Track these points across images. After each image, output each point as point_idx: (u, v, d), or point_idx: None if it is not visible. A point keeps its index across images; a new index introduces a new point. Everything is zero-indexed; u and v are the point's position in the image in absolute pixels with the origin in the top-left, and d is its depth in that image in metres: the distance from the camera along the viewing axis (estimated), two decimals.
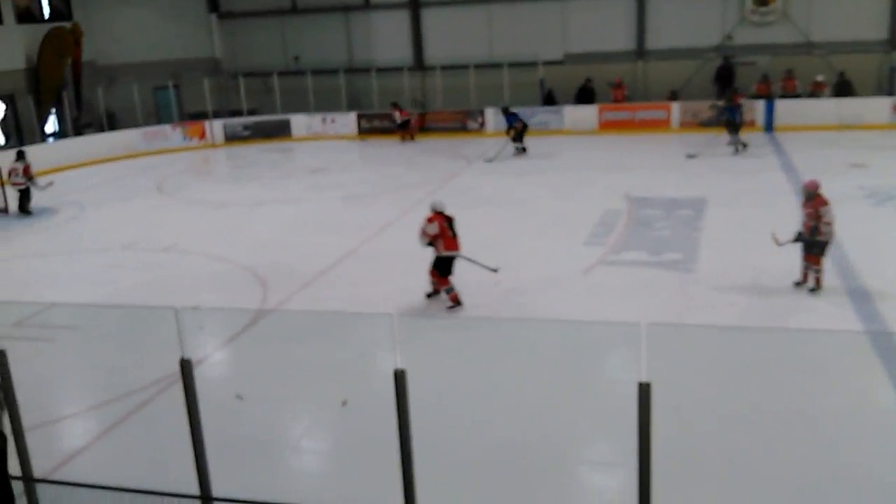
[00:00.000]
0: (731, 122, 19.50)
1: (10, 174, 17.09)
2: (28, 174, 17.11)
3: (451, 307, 10.01)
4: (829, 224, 9.61)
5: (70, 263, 13.52)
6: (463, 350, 8.84)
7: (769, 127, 22.05)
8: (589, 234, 13.21)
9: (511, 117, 20.87)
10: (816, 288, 9.87)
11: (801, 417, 7.10)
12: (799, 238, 9.83)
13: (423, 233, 10.03)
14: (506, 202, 15.99)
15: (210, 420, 5.12)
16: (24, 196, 17.15)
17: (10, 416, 5.42)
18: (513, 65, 24.91)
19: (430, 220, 10.04)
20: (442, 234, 9.99)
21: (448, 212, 10.20)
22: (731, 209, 14.25)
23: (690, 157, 19.13)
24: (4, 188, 17.40)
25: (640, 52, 25.05)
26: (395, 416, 4.43)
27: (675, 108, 23.33)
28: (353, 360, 8.85)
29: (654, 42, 24.95)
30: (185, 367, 4.80)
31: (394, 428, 4.46)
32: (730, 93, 20.63)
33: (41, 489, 5.64)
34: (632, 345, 3.86)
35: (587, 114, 23.89)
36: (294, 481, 6.67)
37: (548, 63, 25.07)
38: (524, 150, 20.78)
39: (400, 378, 4.33)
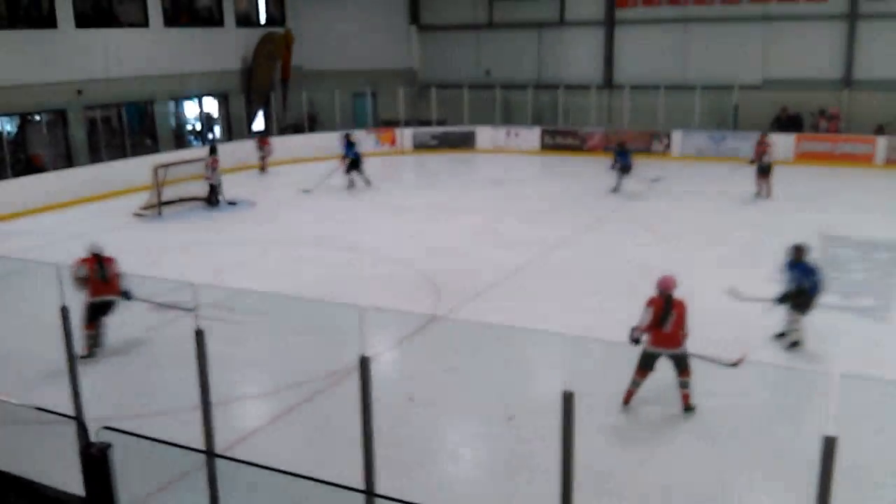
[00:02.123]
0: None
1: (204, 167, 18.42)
2: (213, 167, 18.29)
3: (84, 356, 9.21)
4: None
5: (263, 253, 14.52)
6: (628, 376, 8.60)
7: None
8: (774, 270, 12.50)
9: (348, 147, 20.02)
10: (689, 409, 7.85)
11: None
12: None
13: (74, 276, 9.25)
14: (687, 230, 15.49)
15: (375, 417, 5.31)
16: (212, 189, 18.43)
17: (202, 391, 5.82)
18: (706, 87, 24.13)
19: (80, 263, 9.39)
20: (90, 277, 9.34)
21: (106, 254, 9.59)
22: None
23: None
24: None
25: (847, 81, 23.52)
26: (560, 438, 4.39)
27: (882, 143, 21.74)
28: (519, 375, 8.88)
29: (862, 71, 23.36)
30: (364, 364, 4.95)
31: (555, 447, 4.43)
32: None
33: (219, 463, 6.04)
34: (809, 393, 3.61)
35: (783, 143, 22.66)
36: (449, 488, 6.78)
37: (744, 87, 24.05)
38: (353, 183, 20.14)
39: (568, 400, 4.29)
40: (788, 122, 23.35)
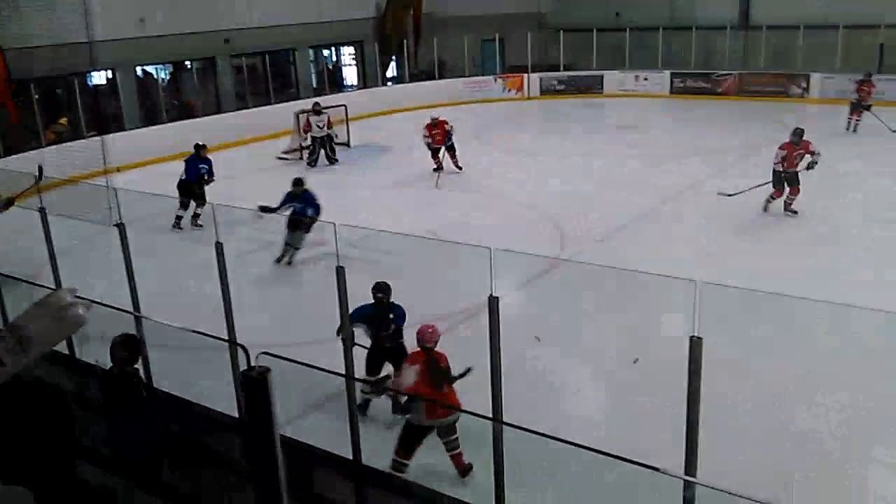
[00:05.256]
0: None
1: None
2: (320, 126, 18.20)
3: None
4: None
5: (396, 196, 15.17)
6: (760, 325, 8.52)
7: None
8: None
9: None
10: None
11: None
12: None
13: None
14: (825, 177, 14.84)
15: (503, 354, 5.59)
16: (316, 145, 18.29)
17: (342, 325, 6.25)
18: (849, 27, 22.70)
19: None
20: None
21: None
22: None
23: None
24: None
25: None
26: (686, 383, 4.47)
27: None
28: (644, 319, 8.96)
29: None
30: (493, 304, 5.27)
31: (678, 391, 4.56)
32: None
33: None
34: None
35: None
36: (571, 423, 7.02)
37: (890, 26, 22.44)
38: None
39: (695, 346, 4.35)
40: None
